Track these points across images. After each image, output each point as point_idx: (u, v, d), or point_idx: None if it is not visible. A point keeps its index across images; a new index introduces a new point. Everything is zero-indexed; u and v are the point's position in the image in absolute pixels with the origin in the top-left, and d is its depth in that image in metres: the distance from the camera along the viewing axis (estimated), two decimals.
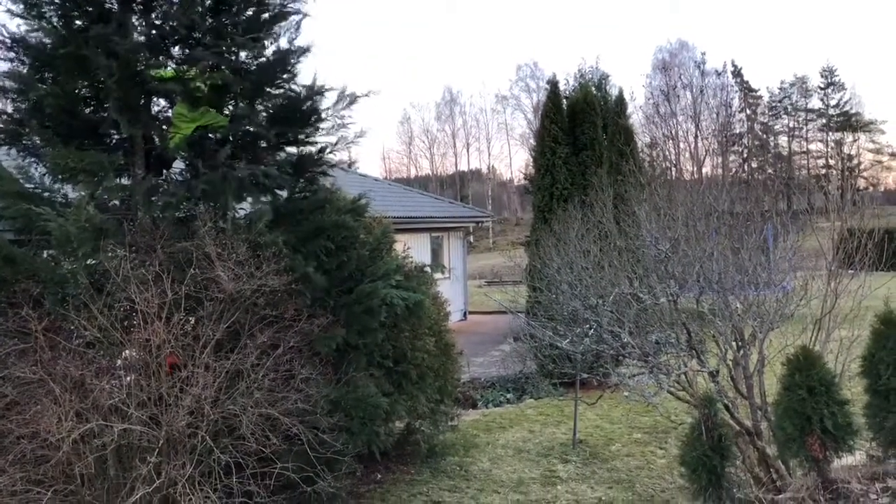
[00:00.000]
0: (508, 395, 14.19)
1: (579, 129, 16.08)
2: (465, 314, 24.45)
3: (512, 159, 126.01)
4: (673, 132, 65.92)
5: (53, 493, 6.61)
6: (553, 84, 17.12)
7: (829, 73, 68.33)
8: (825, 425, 5.47)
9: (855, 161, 68.05)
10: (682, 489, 7.07)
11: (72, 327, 7.15)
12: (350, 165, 10.59)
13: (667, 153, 63.97)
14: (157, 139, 8.46)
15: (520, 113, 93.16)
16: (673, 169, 60.04)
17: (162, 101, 8.66)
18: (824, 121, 68.26)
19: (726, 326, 7.17)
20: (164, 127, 8.48)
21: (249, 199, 8.80)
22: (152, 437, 6.80)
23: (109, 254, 7.30)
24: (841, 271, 7.62)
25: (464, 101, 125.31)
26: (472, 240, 43.82)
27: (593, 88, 17.17)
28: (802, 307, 7.54)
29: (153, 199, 8.04)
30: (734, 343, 7.20)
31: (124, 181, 8.28)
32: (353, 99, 8.95)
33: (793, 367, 5.71)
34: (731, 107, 68.06)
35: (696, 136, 64.91)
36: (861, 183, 65.02)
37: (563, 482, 9.49)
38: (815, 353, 5.97)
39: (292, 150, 9.04)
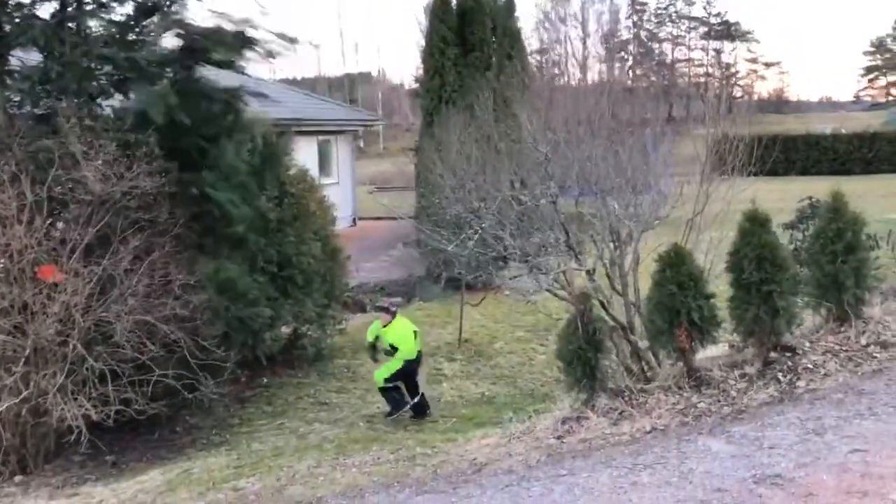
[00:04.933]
0: (398, 299, 14.31)
1: (468, 29, 15.79)
2: (354, 220, 24.20)
3: (403, 62, 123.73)
4: (561, 37, 66.07)
5: None
6: None
7: None
8: (692, 318, 5.75)
9: (732, 70, 70.56)
10: (560, 382, 7.38)
11: None
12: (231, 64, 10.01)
13: (554, 59, 64.21)
14: (7, 26, 7.72)
15: (411, 13, 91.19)
16: (560, 72, 60.45)
17: None
18: (706, 29, 70.07)
19: (604, 227, 7.37)
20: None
21: (119, 97, 8.24)
22: (18, 346, 6.49)
23: None
24: (713, 175, 7.91)
25: None
26: (361, 145, 43.07)
27: None
28: (677, 209, 7.83)
29: (6, 92, 7.39)
30: (611, 244, 7.42)
31: None
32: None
33: (664, 263, 5.93)
34: (617, 13, 68.70)
35: (583, 42, 65.34)
36: (737, 92, 67.64)
37: (449, 379, 9.75)
38: (686, 250, 6.22)
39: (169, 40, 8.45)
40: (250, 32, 8.39)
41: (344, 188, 22.99)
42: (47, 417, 6.53)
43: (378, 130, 55.54)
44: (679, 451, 5.09)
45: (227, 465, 6.64)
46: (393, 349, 8.60)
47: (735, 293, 6.11)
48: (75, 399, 6.53)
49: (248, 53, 8.59)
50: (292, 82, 49.16)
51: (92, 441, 6.72)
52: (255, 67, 9.39)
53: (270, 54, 8.71)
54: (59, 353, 6.62)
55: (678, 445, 5.20)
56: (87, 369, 6.65)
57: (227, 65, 8.69)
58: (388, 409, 8.62)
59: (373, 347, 8.87)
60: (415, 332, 8.81)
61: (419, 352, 8.86)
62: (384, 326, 8.73)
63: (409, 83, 67.19)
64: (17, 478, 6.82)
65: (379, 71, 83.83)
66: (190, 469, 6.66)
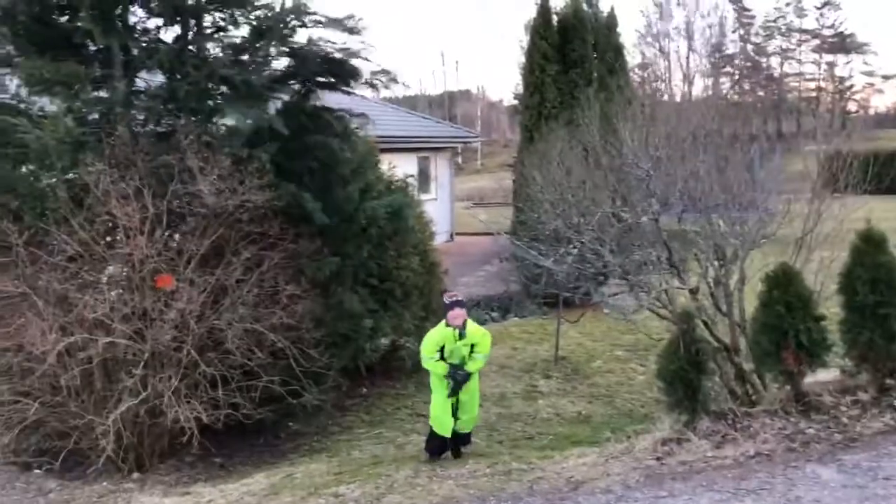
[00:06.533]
0: (493, 314, 14.35)
1: (569, 46, 15.74)
2: (451, 235, 24.44)
3: (502, 79, 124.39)
4: (664, 51, 64.77)
5: (40, 404, 6.72)
6: None
7: None
8: (800, 340, 5.55)
9: (847, 83, 67.38)
10: (660, 403, 7.26)
11: (53, 242, 7.13)
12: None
13: (658, 73, 62.92)
14: (135, 51, 8.24)
15: (512, 31, 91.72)
16: (663, 88, 59.15)
17: (140, 12, 8.39)
18: (818, 42, 67.26)
19: (708, 245, 7.21)
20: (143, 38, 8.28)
21: (234, 116, 8.64)
22: (137, 350, 6.88)
23: (89, 168, 7.21)
24: (825, 192, 7.62)
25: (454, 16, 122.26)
26: (460, 161, 43.46)
27: (584, 4, 16.70)
28: (785, 227, 7.58)
29: (133, 111, 7.89)
30: (715, 262, 7.24)
31: (103, 94, 8.11)
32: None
33: (772, 283, 5.76)
34: (724, 26, 66.83)
35: (687, 57, 63.87)
36: (852, 106, 64.51)
37: (545, 396, 9.70)
38: (795, 270, 6.02)
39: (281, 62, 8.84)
40: (355, 62, 8.71)
41: (442, 204, 23.25)
42: (163, 418, 6.89)
43: (476, 147, 55.91)
44: (786, 478, 4.92)
45: (328, 472, 6.83)
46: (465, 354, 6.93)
47: (847, 316, 5.88)
48: (188, 402, 6.86)
49: (353, 82, 8.90)
50: (393, 100, 50.10)
51: (202, 443, 7.04)
52: (356, 86, 9.82)
53: (372, 85, 9.00)
54: (175, 358, 6.98)
55: (784, 472, 5.03)
56: (199, 374, 6.99)
57: (331, 87, 8.98)
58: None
59: (453, 366, 6.90)
60: None
61: None
62: (461, 329, 6.90)
63: (508, 100, 67.45)
64: (135, 475, 7.22)
65: (478, 88, 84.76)
66: (293, 474, 6.88)
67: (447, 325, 6.94)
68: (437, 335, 7.01)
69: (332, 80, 8.80)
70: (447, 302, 7.13)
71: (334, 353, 8.30)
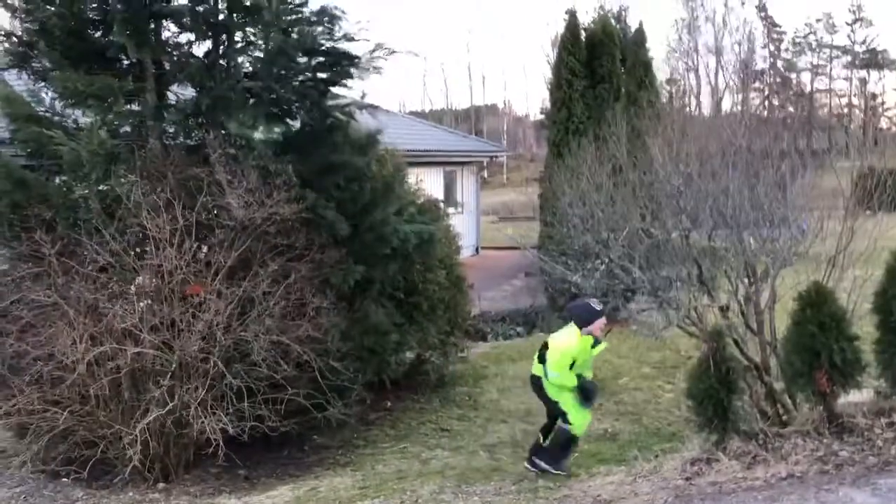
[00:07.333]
0: (518, 329, 14.30)
1: (597, 61, 15.75)
2: (477, 249, 24.43)
3: (528, 94, 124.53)
4: (693, 66, 64.37)
5: (69, 413, 6.77)
6: (572, 14, 16.67)
7: (857, 9, 66.23)
8: (834, 360, 5.43)
9: (879, 100, 66.52)
10: (688, 421, 7.16)
11: (84, 252, 7.20)
12: (362, 97, 10.41)
13: (686, 89, 62.56)
14: (167, 65, 8.35)
15: (539, 46, 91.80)
16: (692, 102, 58.73)
17: (172, 27, 8.51)
18: (849, 58, 66.54)
19: (739, 262, 7.12)
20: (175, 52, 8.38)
21: (261, 128, 8.70)
22: (165, 361, 6.92)
23: (121, 180, 7.30)
24: (858, 210, 7.51)
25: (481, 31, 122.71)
26: (485, 175, 43.46)
27: (612, 20, 16.72)
28: (817, 245, 7.47)
29: (164, 124, 7.98)
30: (746, 279, 7.15)
31: (135, 107, 8.21)
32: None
33: (804, 302, 5.66)
34: (753, 41, 66.35)
35: (716, 72, 63.44)
36: (884, 123, 63.64)
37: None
38: (828, 289, 5.92)
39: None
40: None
41: (468, 218, 23.28)
42: (189, 429, 6.90)
43: (502, 161, 55.93)
44: (818, 501, 4.82)
45: (353, 486, 6.80)
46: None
47: (882, 336, 5.76)
48: (214, 413, 6.87)
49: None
50: (420, 114, 50.34)
51: (227, 454, 7.04)
52: (384, 100, 9.76)
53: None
54: (202, 369, 7.00)
55: (817, 495, 4.92)
56: (225, 385, 7.00)
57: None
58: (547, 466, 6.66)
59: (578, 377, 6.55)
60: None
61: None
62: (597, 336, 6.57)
63: (534, 114, 67.56)
64: (161, 485, 7.24)
65: (505, 102, 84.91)
66: (317, 487, 6.87)
67: (582, 334, 6.47)
68: (574, 347, 6.46)
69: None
70: (598, 308, 6.54)
71: (359, 366, 8.29)
